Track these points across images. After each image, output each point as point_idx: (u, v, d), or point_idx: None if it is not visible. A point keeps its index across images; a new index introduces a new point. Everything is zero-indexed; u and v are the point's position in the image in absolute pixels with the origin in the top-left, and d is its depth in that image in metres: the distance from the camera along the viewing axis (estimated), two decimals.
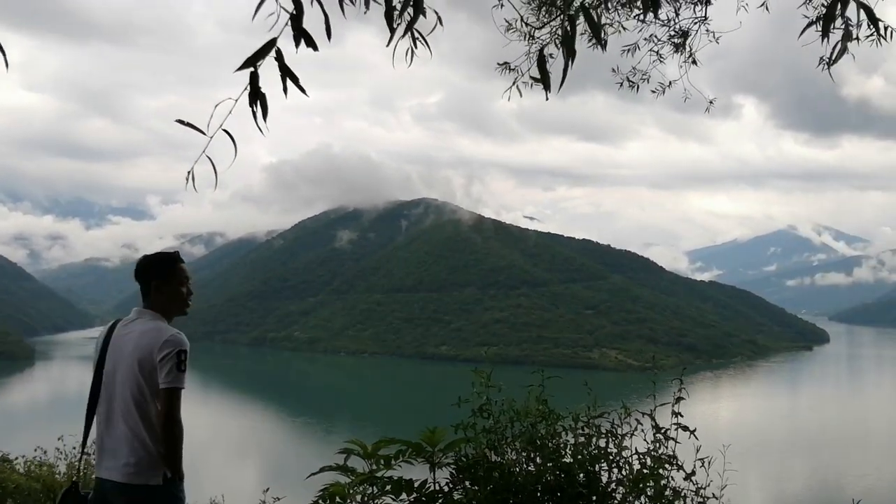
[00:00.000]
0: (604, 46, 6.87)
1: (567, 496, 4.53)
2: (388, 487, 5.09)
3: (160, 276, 4.44)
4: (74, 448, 7.19)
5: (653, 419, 4.97)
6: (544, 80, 3.41)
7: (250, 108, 2.50)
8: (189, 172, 2.57)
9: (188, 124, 2.49)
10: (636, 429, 4.97)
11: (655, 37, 7.25)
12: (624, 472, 4.77)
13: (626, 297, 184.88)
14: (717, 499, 4.74)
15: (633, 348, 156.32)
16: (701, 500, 4.75)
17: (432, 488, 4.98)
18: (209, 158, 2.53)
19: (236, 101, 2.51)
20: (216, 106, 2.52)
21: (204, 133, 2.44)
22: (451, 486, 4.92)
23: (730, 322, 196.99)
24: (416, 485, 5.00)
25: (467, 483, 4.84)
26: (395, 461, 5.10)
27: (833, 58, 3.13)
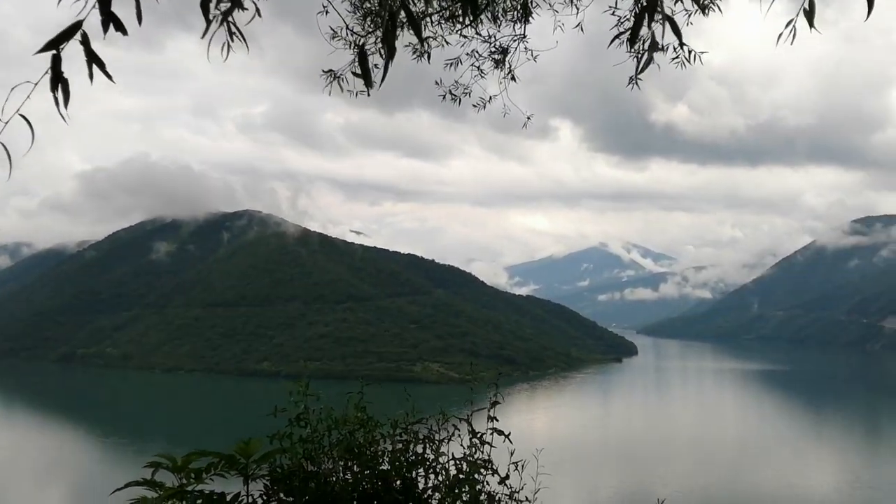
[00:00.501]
0: (428, 57, 7.01)
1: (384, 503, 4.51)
2: (199, 502, 4.88)
3: None
4: None
5: (469, 424, 5.03)
6: (365, 75, 3.41)
7: (52, 94, 2.33)
8: None
9: None
10: (453, 434, 5.01)
11: (477, 52, 7.46)
12: (441, 478, 4.79)
13: (450, 312, 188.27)
14: (530, 502, 4.85)
15: (455, 361, 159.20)
16: (515, 503, 4.84)
17: (246, 502, 4.81)
18: (2, 145, 2.34)
19: (35, 84, 2.34)
20: (12, 89, 2.33)
21: None
22: (265, 498, 4.77)
23: (546, 335, 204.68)
24: (228, 498, 4.81)
25: (282, 495, 4.71)
26: (207, 474, 4.88)
27: (640, 68, 3.29)
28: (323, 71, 6.24)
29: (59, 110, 2.37)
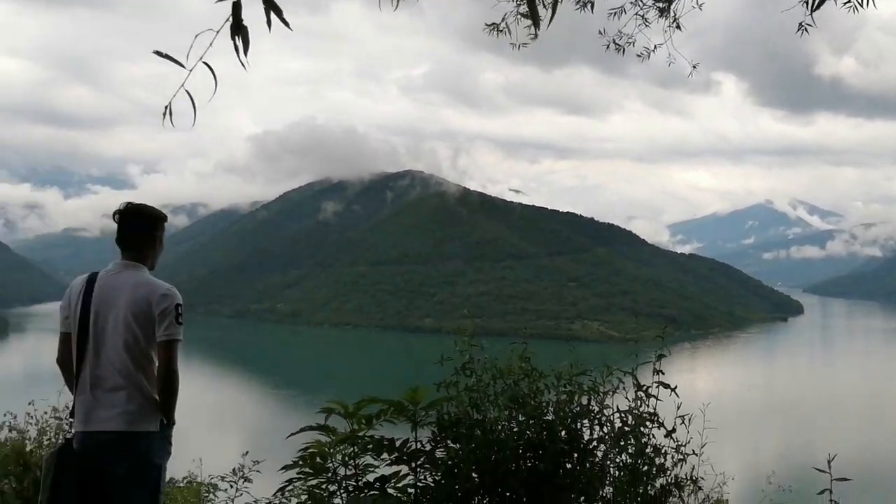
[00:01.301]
0: (591, 6, 6.87)
1: (549, 453, 4.54)
2: (370, 447, 5.07)
3: (156, 229, 4.48)
4: (46, 413, 7.05)
5: (634, 377, 4.97)
6: (533, 14, 3.37)
7: (232, 41, 2.43)
8: (167, 108, 2.50)
9: (167, 56, 2.42)
10: (617, 387, 4.97)
11: (641, 0, 7.24)
12: (605, 430, 4.78)
13: (610, 270, 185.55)
14: (696, 455, 4.77)
15: (615, 320, 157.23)
16: (681, 456, 4.77)
17: (414, 447, 4.97)
18: (187, 93, 2.46)
19: (217, 31, 2.43)
20: (196, 36, 2.44)
21: (183, 66, 2.36)
22: (433, 444, 4.91)
23: (709, 294, 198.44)
24: (397, 444, 4.98)
25: (449, 442, 4.83)
26: (377, 420, 5.08)
27: (814, 4, 3.10)
28: (486, 24, 6.22)
29: (238, 58, 2.46)
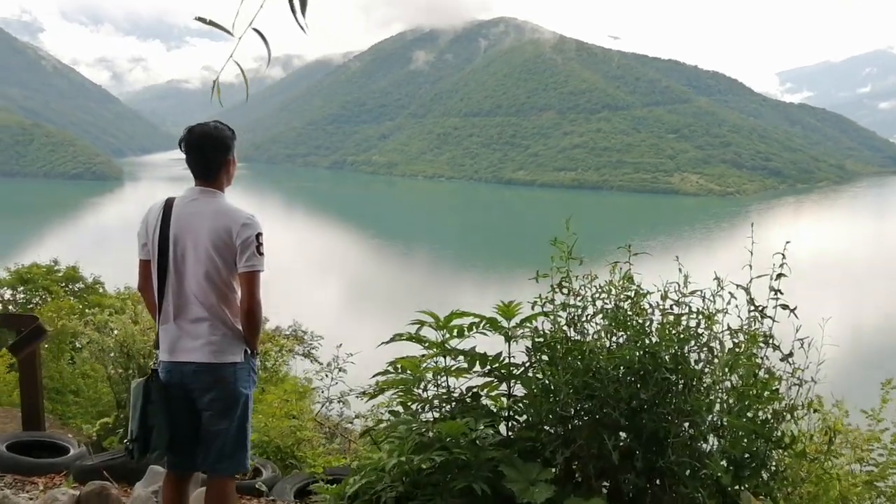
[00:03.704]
0: None
1: (652, 380, 4.23)
2: (462, 357, 4.86)
3: (229, 151, 4.19)
4: None
5: (748, 293, 4.54)
6: None
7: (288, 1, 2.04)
8: (215, 83, 2.17)
9: (210, 22, 2.04)
10: (729, 302, 4.56)
11: None
12: (715, 352, 4.41)
13: (712, 121, 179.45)
14: (814, 382, 4.38)
15: (716, 173, 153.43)
16: (797, 382, 4.39)
17: (507, 361, 4.72)
18: (238, 65, 2.11)
19: None
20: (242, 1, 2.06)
21: (230, 33, 1.97)
22: (527, 362, 4.65)
23: (818, 146, 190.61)
24: (490, 357, 4.74)
25: (545, 359, 4.56)
26: (469, 332, 4.83)
27: None
28: None
29: (295, 18, 2.10)
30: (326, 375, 7.21)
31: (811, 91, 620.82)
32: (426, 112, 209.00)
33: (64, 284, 25.39)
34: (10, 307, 23.40)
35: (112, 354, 6.37)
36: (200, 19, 2.07)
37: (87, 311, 6.86)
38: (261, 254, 3.99)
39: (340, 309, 56.44)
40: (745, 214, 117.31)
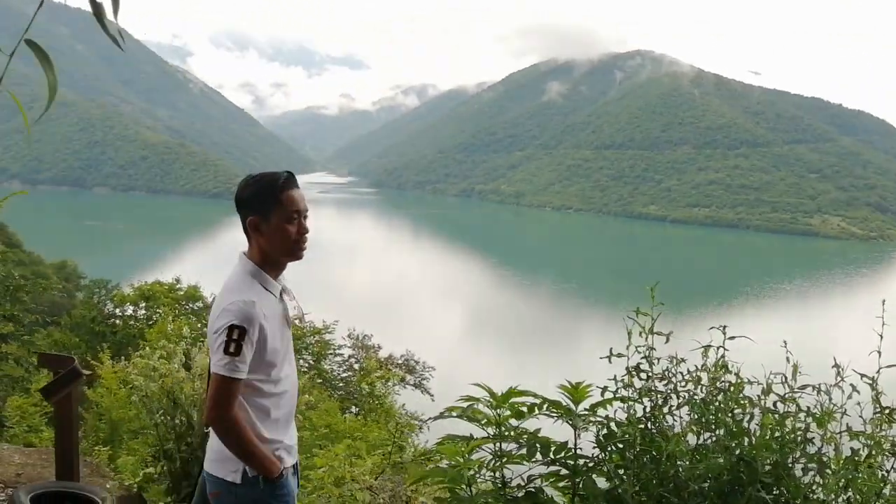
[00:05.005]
0: None
1: (746, 496, 3.36)
2: (527, 444, 4.08)
3: (257, 210, 3.20)
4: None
5: (874, 388, 3.62)
6: None
7: None
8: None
9: (37, 47, 1.57)
10: (850, 396, 3.65)
11: None
12: (827, 460, 3.50)
13: (856, 161, 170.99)
14: None
15: (859, 216, 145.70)
16: None
17: (574, 452, 3.93)
18: (11, 94, 1.88)
19: None
20: None
21: (50, 65, 1.66)
22: (598, 458, 3.84)
23: None
24: (553, 447, 3.96)
25: (615, 457, 3.75)
26: (530, 414, 4.07)
27: None
28: None
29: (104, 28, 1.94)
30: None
31: None
32: (557, 143, 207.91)
33: (184, 303, 25.92)
34: (131, 322, 24.04)
35: (157, 402, 5.94)
36: (30, 42, 1.67)
37: (142, 348, 6.42)
38: (229, 353, 2.97)
39: (456, 339, 56.02)
40: (889, 261, 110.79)
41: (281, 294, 3.29)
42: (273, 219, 3.19)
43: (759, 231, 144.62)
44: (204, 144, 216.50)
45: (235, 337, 2.97)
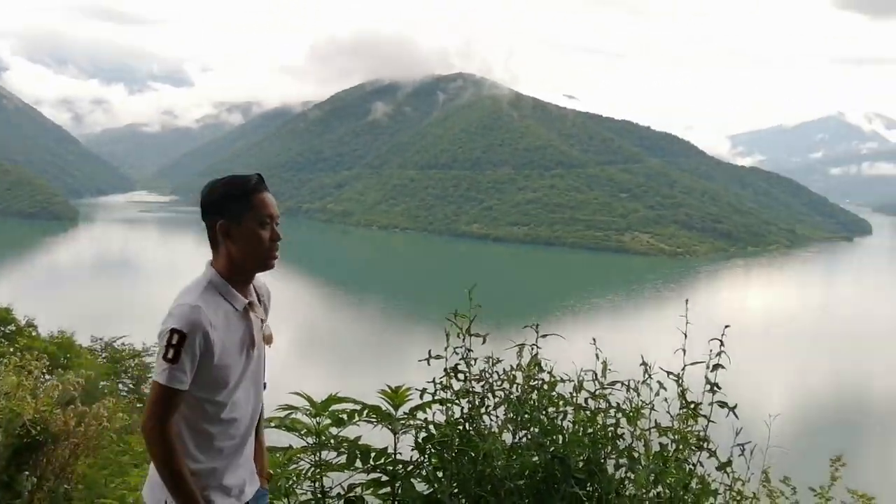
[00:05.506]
0: None
1: (560, 491, 3.44)
2: (347, 451, 4.01)
3: (227, 213, 3.06)
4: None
5: (679, 384, 3.81)
6: None
7: None
8: None
9: None
10: (657, 393, 3.82)
11: None
12: (638, 458, 3.65)
13: (664, 181, 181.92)
14: (757, 499, 3.64)
15: (667, 233, 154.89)
16: (737, 497, 3.64)
17: (394, 458, 3.91)
18: None
19: None
20: None
21: None
22: (417, 461, 3.83)
23: (769, 210, 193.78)
24: (372, 453, 3.91)
25: (434, 460, 3.75)
26: (350, 421, 4.01)
27: None
28: None
29: None
30: None
31: (763, 155, 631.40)
32: (383, 163, 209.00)
33: None
34: None
35: None
36: None
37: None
38: (167, 360, 2.71)
39: (280, 355, 55.00)
40: (694, 276, 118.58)
41: (246, 309, 3.03)
42: (245, 223, 3.09)
43: (574, 248, 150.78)
44: (20, 163, 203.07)
45: (175, 342, 2.72)
